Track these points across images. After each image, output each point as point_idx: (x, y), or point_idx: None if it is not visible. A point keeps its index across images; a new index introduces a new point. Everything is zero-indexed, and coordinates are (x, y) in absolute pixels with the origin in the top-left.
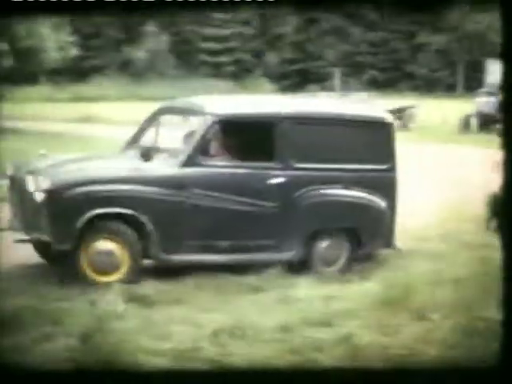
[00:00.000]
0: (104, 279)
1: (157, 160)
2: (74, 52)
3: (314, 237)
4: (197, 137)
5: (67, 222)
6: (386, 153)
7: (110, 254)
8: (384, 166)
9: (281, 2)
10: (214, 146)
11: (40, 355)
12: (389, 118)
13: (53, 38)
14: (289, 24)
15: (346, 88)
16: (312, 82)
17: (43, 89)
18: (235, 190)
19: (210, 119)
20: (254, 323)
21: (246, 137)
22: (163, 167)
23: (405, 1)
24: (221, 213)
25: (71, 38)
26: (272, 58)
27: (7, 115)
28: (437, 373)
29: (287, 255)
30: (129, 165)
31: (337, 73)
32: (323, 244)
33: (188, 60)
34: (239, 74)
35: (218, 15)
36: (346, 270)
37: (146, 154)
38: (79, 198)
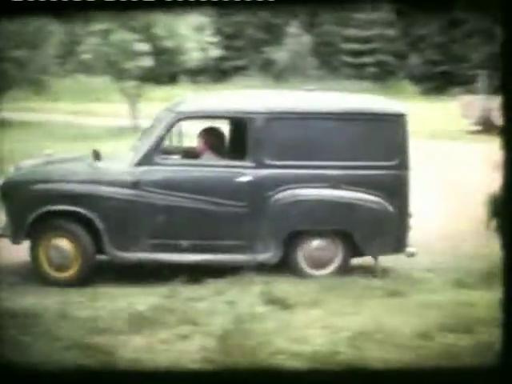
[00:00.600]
0: (59, 275)
1: (118, 159)
2: (215, 52)
3: (299, 238)
4: (155, 135)
5: (19, 218)
6: (391, 148)
7: (62, 250)
8: (388, 163)
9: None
10: (199, 144)
11: (174, 355)
12: (396, 110)
13: (194, 39)
14: (432, 25)
15: (490, 90)
16: (456, 85)
17: (184, 89)
18: (197, 188)
19: (172, 117)
20: (392, 328)
21: (221, 134)
22: (119, 166)
23: None
24: (181, 212)
25: (213, 39)
26: (415, 59)
27: (147, 115)
28: (437, 373)
29: (263, 257)
30: (87, 164)
31: (481, 75)
32: (311, 246)
33: (329, 61)
34: (381, 76)
35: (361, 16)
36: (342, 274)
37: (95, 154)
38: (29, 196)
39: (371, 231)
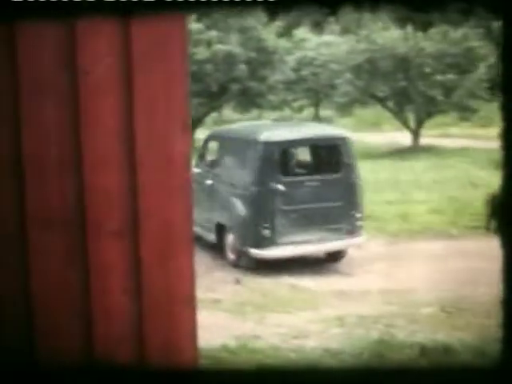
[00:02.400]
0: None
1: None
2: None
3: (225, 229)
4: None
5: None
6: (248, 171)
7: None
8: (247, 181)
9: None
10: None
11: None
12: (256, 137)
13: None
14: None
15: None
16: None
17: None
18: (198, 182)
19: (205, 138)
20: None
21: None
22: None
23: None
24: (196, 196)
25: None
26: None
27: None
28: (437, 373)
29: (210, 237)
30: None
31: None
32: (229, 236)
33: None
34: None
35: None
36: (242, 261)
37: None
38: None
39: (237, 230)
